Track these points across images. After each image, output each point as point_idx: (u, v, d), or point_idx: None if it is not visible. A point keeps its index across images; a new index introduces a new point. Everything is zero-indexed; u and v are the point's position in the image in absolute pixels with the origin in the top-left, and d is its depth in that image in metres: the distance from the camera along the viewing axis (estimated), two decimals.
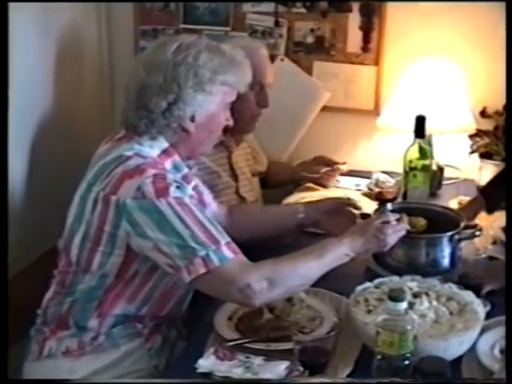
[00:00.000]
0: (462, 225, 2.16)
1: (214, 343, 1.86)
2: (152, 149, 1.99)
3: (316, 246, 1.95)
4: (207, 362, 1.75)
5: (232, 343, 1.83)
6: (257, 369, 1.73)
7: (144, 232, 1.84)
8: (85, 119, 3.04)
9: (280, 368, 1.72)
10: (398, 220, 2.04)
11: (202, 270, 1.80)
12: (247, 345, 1.83)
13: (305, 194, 2.87)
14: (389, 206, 2.27)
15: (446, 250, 2.14)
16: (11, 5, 2.09)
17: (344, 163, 2.89)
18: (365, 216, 2.20)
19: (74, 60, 3.03)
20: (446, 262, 2.15)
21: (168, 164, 2.00)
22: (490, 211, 2.36)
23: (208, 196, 2.31)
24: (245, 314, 1.98)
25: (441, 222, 2.20)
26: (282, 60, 3.27)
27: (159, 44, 2.04)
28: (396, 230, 2.02)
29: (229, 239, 1.87)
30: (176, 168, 2.02)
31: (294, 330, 1.77)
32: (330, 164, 2.89)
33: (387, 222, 2.01)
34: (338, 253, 1.94)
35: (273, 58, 3.25)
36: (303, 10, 3.22)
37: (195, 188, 2.19)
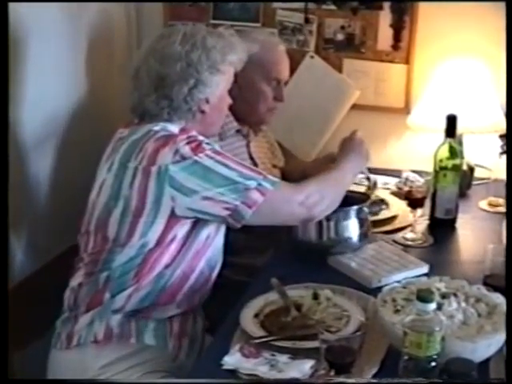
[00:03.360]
0: (369, 200, 2.39)
1: (239, 340, 1.85)
2: (172, 127, 2.07)
3: (337, 163, 2.29)
4: (232, 359, 1.75)
5: (258, 340, 1.82)
6: (282, 367, 1.72)
7: (193, 191, 1.94)
8: (116, 109, 3.05)
9: (305, 366, 1.71)
10: None
11: (261, 199, 1.97)
12: (273, 342, 1.81)
13: None
14: None
15: (355, 225, 2.30)
16: None
17: None
18: None
19: (104, 53, 3.05)
20: (355, 235, 2.31)
21: None
22: None
23: None
24: (271, 312, 1.98)
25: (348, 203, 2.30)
26: (311, 57, 3.26)
27: (163, 35, 2.14)
28: None
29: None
30: None
31: (321, 328, 1.75)
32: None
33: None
34: (350, 165, 2.28)
35: (303, 55, 3.25)
36: (333, 7, 3.21)
37: None
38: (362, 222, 2.32)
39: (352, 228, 2.30)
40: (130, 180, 1.98)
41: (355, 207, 2.29)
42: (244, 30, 2.85)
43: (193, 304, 2.16)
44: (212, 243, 2.11)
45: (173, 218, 1.98)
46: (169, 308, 2.10)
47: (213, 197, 1.94)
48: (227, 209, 1.96)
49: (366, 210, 2.34)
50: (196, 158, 1.94)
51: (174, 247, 2.03)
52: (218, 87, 2.12)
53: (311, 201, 2.06)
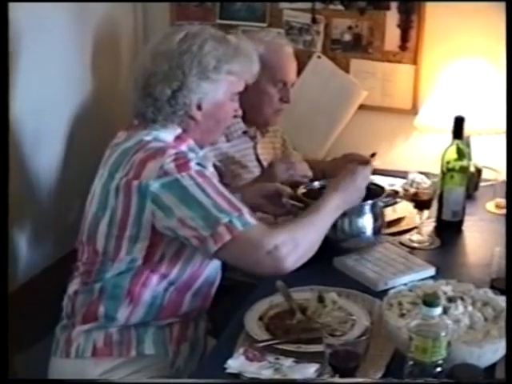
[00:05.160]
0: (383, 194, 2.33)
1: (243, 343, 1.84)
2: (167, 134, 2.01)
3: (318, 202, 2.05)
4: (236, 363, 1.74)
5: (262, 344, 1.81)
6: (286, 371, 1.70)
7: (169, 209, 1.86)
8: (121, 112, 3.05)
9: (310, 370, 1.69)
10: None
11: (227, 237, 1.82)
12: (277, 346, 1.80)
13: None
14: (315, 183, 2.44)
15: (369, 219, 2.27)
16: None
17: (374, 154, 2.82)
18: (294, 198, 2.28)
19: (111, 53, 3.05)
20: (369, 229, 2.27)
21: (184, 148, 2.02)
22: None
23: None
24: (276, 315, 1.96)
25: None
26: (318, 57, 3.25)
27: (166, 34, 2.07)
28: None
29: (248, 210, 1.90)
30: (192, 151, 2.03)
31: (325, 333, 1.73)
32: (361, 161, 2.81)
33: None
34: (334, 205, 2.05)
35: (309, 56, 3.24)
36: (341, 7, 3.19)
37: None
38: (376, 216, 2.29)
39: (366, 222, 2.27)
40: (115, 191, 1.94)
41: (370, 202, 2.25)
42: (250, 31, 2.84)
43: (193, 314, 2.15)
44: (210, 263, 2.07)
45: (155, 234, 1.93)
46: (169, 319, 2.08)
47: (185, 220, 1.85)
48: (196, 238, 1.85)
49: (380, 204, 2.31)
50: (178, 175, 1.87)
51: (164, 268, 2.00)
52: (207, 95, 2.02)
53: (283, 251, 1.85)
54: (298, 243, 1.88)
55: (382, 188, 2.36)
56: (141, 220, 1.92)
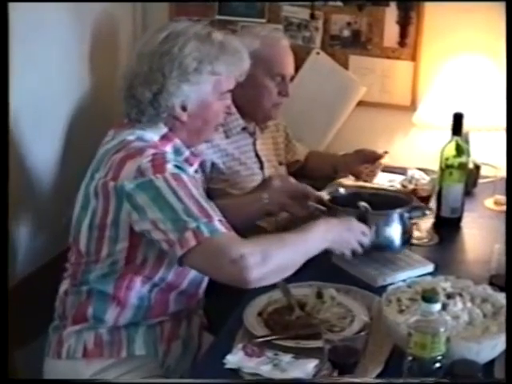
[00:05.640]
0: (412, 203, 2.23)
1: (242, 339, 1.83)
2: (153, 134, 1.99)
3: (302, 226, 1.94)
4: (235, 358, 1.73)
5: (261, 339, 1.81)
6: (285, 366, 1.70)
7: (142, 210, 1.83)
8: (120, 109, 3.04)
9: (309, 366, 1.69)
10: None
11: (193, 243, 1.76)
12: (276, 341, 1.80)
13: None
14: (341, 189, 2.33)
15: (396, 228, 2.17)
16: None
17: (386, 153, 2.80)
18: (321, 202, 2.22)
19: (109, 48, 3.04)
20: (396, 239, 2.17)
21: (169, 148, 2.00)
22: None
23: None
24: (275, 310, 1.96)
25: (392, 203, 2.21)
26: (317, 53, 3.25)
27: (152, 32, 2.03)
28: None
29: (222, 218, 1.85)
30: (177, 152, 2.02)
31: (324, 328, 1.74)
32: (372, 157, 2.80)
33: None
34: (322, 233, 1.94)
35: (308, 52, 3.24)
36: (340, 3, 3.20)
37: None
38: (404, 225, 2.19)
39: (394, 232, 2.17)
40: (94, 192, 1.93)
41: (398, 210, 2.18)
42: (247, 26, 2.84)
43: (184, 312, 2.13)
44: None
45: (134, 235, 1.90)
46: (159, 317, 2.06)
47: (157, 223, 1.81)
48: (166, 242, 1.81)
49: (407, 214, 2.21)
50: (152, 177, 1.83)
51: (148, 271, 1.98)
52: (189, 97, 1.98)
53: (250, 261, 1.74)
54: (268, 257, 1.78)
55: (410, 197, 2.31)
56: (119, 221, 1.90)
